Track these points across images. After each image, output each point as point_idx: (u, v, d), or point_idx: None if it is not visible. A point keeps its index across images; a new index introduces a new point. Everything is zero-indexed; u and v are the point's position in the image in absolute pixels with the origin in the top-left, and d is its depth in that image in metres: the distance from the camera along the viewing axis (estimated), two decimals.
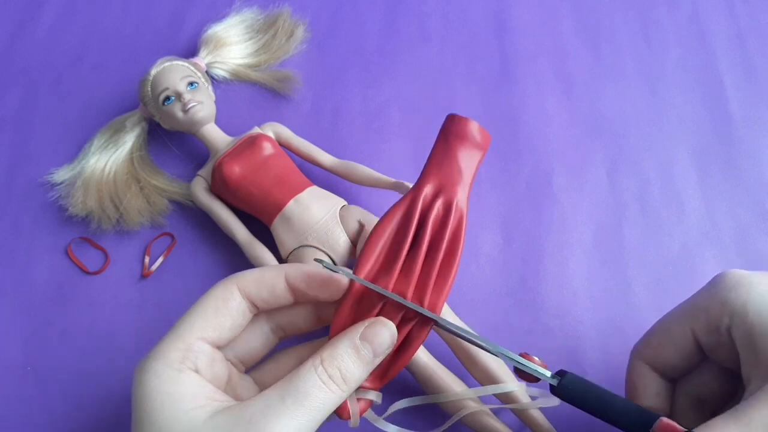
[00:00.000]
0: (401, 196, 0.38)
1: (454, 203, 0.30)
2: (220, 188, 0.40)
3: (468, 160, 0.30)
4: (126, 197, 0.42)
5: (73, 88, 0.48)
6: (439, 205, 0.30)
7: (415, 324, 0.28)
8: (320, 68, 0.49)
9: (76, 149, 0.45)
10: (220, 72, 0.47)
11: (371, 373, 0.27)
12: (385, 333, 0.26)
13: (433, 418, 0.36)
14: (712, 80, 0.48)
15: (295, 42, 0.49)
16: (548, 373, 0.28)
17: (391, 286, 0.28)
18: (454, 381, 0.35)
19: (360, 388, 0.27)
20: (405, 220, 0.30)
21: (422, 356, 0.35)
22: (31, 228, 0.43)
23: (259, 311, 0.28)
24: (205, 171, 0.41)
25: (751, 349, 0.26)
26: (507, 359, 0.28)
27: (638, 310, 0.40)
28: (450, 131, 0.31)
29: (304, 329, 0.30)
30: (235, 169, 0.39)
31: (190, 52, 0.48)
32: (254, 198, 0.39)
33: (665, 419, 0.26)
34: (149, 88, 0.42)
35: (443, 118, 0.48)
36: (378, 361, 0.26)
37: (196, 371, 0.26)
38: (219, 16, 0.49)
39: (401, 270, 0.29)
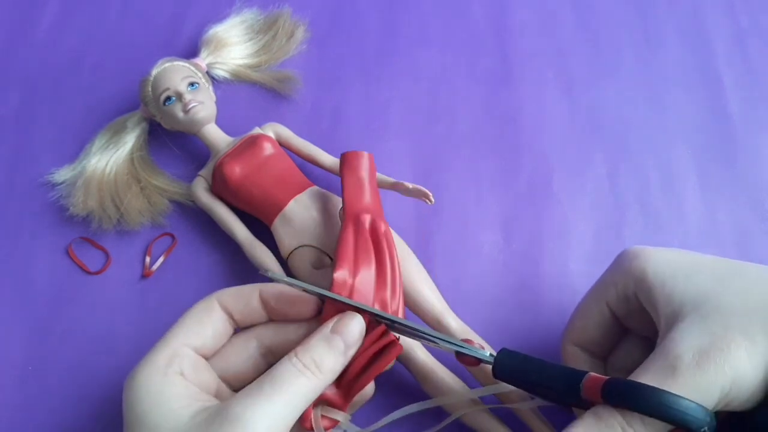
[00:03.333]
0: (401, 195, 0.39)
1: (377, 220, 0.35)
2: (220, 188, 0.40)
3: (365, 182, 0.37)
4: (127, 197, 0.42)
5: (74, 88, 0.48)
6: (366, 223, 0.35)
7: (384, 345, 0.29)
8: (320, 68, 0.49)
9: (76, 149, 0.45)
10: (220, 72, 0.47)
11: (337, 389, 0.29)
12: (354, 324, 0.28)
13: (431, 417, 0.36)
14: (712, 80, 0.48)
15: (295, 42, 0.49)
16: (487, 353, 0.30)
17: (371, 297, 0.32)
18: (453, 379, 0.35)
19: (329, 406, 0.30)
20: (358, 235, 0.34)
21: (420, 354, 0.35)
22: (31, 228, 0.43)
23: (238, 324, 0.30)
24: (206, 171, 0.41)
25: (652, 306, 0.29)
26: (447, 345, 0.30)
27: None
28: (346, 165, 0.37)
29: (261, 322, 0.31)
30: (236, 170, 0.39)
31: (191, 52, 0.48)
32: (255, 198, 0.39)
33: (592, 374, 0.27)
34: (150, 89, 0.42)
35: (443, 118, 0.48)
36: (351, 352, 0.28)
37: (182, 375, 0.27)
38: (219, 16, 0.49)
39: (377, 282, 0.33)
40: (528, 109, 0.47)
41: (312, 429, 0.29)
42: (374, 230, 0.35)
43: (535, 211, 0.43)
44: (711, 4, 0.51)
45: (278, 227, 0.39)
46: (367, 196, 0.37)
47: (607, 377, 0.27)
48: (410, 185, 0.39)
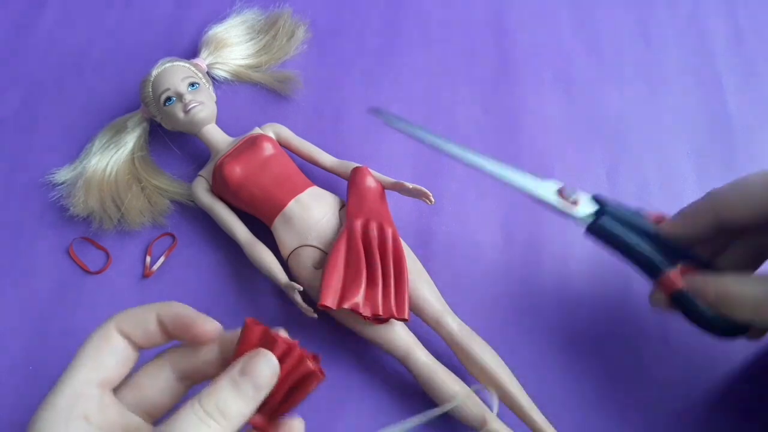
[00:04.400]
0: (401, 195, 0.39)
1: (384, 225, 0.37)
2: (221, 188, 0.40)
3: (376, 193, 0.39)
4: (127, 197, 0.42)
5: (75, 88, 0.48)
6: (373, 229, 0.37)
7: (303, 375, 0.26)
8: (321, 69, 0.49)
9: (77, 149, 0.45)
10: (221, 73, 0.47)
11: (261, 411, 0.26)
12: (264, 364, 0.25)
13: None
14: (712, 80, 0.48)
15: (295, 42, 0.49)
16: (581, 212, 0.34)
17: (361, 295, 0.34)
18: (454, 381, 0.35)
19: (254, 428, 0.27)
20: (351, 248, 0.36)
21: (421, 355, 0.35)
22: (32, 228, 0.43)
23: (141, 348, 0.28)
24: (206, 171, 0.42)
25: None
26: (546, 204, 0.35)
27: (639, 311, 0.40)
28: (355, 179, 0.40)
29: (210, 375, 0.28)
30: (236, 170, 0.39)
31: (191, 53, 0.48)
32: (255, 198, 0.39)
33: (678, 269, 0.32)
34: (150, 89, 0.42)
35: (443, 118, 0.48)
36: (261, 394, 0.25)
37: (86, 419, 0.25)
38: (220, 16, 0.49)
39: (366, 283, 0.35)
40: (528, 109, 0.47)
41: None
42: (381, 233, 0.37)
43: (535, 210, 0.43)
44: (711, 4, 0.51)
45: (278, 227, 0.39)
46: (369, 205, 0.38)
47: (679, 288, 0.32)
48: (410, 185, 0.39)
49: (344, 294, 0.35)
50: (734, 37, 0.50)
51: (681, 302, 0.32)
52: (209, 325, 0.27)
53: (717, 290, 0.31)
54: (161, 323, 0.27)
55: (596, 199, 0.34)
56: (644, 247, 0.33)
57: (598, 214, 0.34)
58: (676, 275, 0.32)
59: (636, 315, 0.40)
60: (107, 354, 0.26)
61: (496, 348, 0.36)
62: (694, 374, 0.38)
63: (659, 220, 0.34)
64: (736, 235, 0.33)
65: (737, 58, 0.49)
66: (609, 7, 0.51)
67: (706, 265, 0.33)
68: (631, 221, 0.33)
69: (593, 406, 0.37)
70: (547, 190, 0.35)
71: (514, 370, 0.36)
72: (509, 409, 0.35)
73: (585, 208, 0.34)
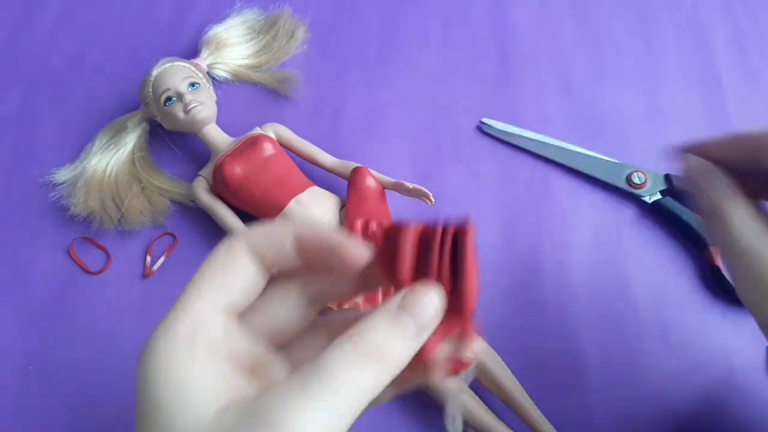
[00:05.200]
0: (400, 195, 0.39)
1: (384, 224, 0.37)
2: (221, 188, 0.40)
3: (376, 193, 0.40)
4: (127, 197, 0.42)
5: (75, 88, 0.48)
6: (373, 229, 0.36)
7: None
8: (321, 69, 0.49)
9: (77, 149, 0.45)
10: (221, 73, 0.47)
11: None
12: (427, 299, 0.21)
13: (432, 419, 0.37)
14: (711, 80, 0.48)
15: (295, 43, 0.49)
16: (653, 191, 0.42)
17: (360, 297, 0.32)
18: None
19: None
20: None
21: None
22: (32, 228, 0.43)
23: (270, 272, 0.24)
24: (206, 171, 0.42)
25: None
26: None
27: (639, 311, 0.40)
28: (355, 179, 0.40)
29: (346, 297, 0.25)
30: (236, 170, 0.39)
31: (191, 53, 0.48)
32: (255, 198, 0.39)
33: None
34: (150, 89, 0.42)
35: (443, 118, 0.48)
36: (424, 336, 0.21)
37: (209, 350, 0.21)
38: (220, 17, 0.49)
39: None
40: (528, 109, 0.47)
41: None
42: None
43: (535, 211, 0.43)
44: (711, 5, 0.51)
45: None
46: (369, 205, 0.38)
47: (715, 264, 0.37)
48: (410, 185, 0.39)
49: None
50: (734, 37, 0.50)
51: (717, 276, 0.39)
52: (358, 251, 0.23)
53: (721, 204, 0.28)
54: (300, 245, 0.23)
55: (666, 177, 0.42)
56: (697, 222, 0.40)
57: (663, 193, 0.42)
58: (715, 250, 0.39)
59: (636, 314, 0.40)
60: (235, 277, 0.23)
61: (495, 348, 0.36)
62: (693, 373, 0.38)
63: None
64: None
65: (737, 59, 0.49)
66: (609, 7, 0.51)
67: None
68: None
69: (593, 406, 0.37)
70: (617, 173, 0.43)
71: (513, 370, 0.36)
72: (508, 407, 0.35)
73: (653, 187, 0.42)
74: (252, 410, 0.19)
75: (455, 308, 0.22)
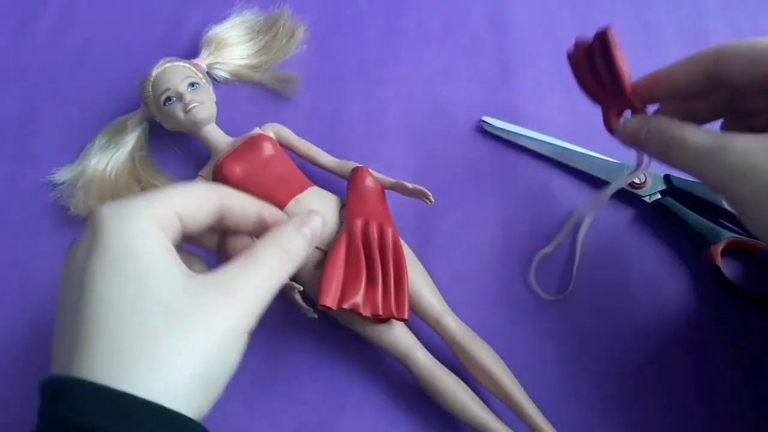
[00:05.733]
0: (401, 195, 0.39)
1: (384, 225, 0.37)
2: None
3: (375, 193, 0.39)
4: (127, 198, 0.42)
5: (75, 88, 0.48)
6: (373, 229, 0.36)
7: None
8: (321, 69, 0.49)
9: (77, 150, 0.45)
10: (221, 73, 0.47)
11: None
12: (316, 219, 0.31)
13: (434, 420, 0.37)
14: None
15: (295, 43, 0.49)
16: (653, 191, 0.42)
17: (360, 295, 0.34)
18: (454, 381, 0.35)
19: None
20: (351, 248, 0.36)
21: (422, 356, 0.35)
22: (32, 228, 0.43)
23: (219, 226, 0.30)
24: (206, 171, 0.42)
25: None
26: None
27: (638, 311, 0.40)
28: (355, 179, 0.40)
29: (202, 245, 0.32)
30: (236, 170, 0.39)
31: (191, 53, 0.48)
32: (256, 198, 0.39)
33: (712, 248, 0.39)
34: (150, 89, 0.42)
35: (443, 118, 0.48)
36: (314, 243, 0.31)
37: (170, 237, 0.27)
38: (220, 17, 0.49)
39: (366, 283, 0.35)
40: (528, 109, 0.47)
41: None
42: (381, 234, 0.36)
43: (535, 211, 0.43)
44: (711, 4, 0.51)
45: None
46: (368, 205, 0.38)
47: (715, 264, 0.38)
48: (410, 185, 0.39)
49: (344, 294, 0.35)
50: (734, 37, 0.50)
51: (717, 276, 0.39)
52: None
53: (675, 134, 0.31)
54: (260, 218, 0.31)
55: (666, 178, 0.42)
56: (697, 222, 0.40)
57: (663, 193, 0.42)
58: (715, 250, 0.39)
59: (637, 314, 0.40)
60: (202, 213, 0.28)
61: (496, 348, 0.36)
62: (694, 371, 0.38)
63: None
64: (733, 102, 0.33)
65: None
66: (609, 7, 0.51)
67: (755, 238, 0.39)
68: (699, 195, 0.41)
69: (594, 406, 0.37)
70: (617, 173, 0.43)
71: (513, 370, 0.36)
72: (509, 408, 0.35)
73: (653, 187, 0.42)
74: (214, 281, 0.26)
75: (620, 93, 0.33)
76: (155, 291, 0.24)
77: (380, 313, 0.35)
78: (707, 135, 0.30)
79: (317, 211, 0.32)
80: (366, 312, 0.35)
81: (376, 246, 0.36)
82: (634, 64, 0.49)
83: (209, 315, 0.25)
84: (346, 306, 0.34)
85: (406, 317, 0.35)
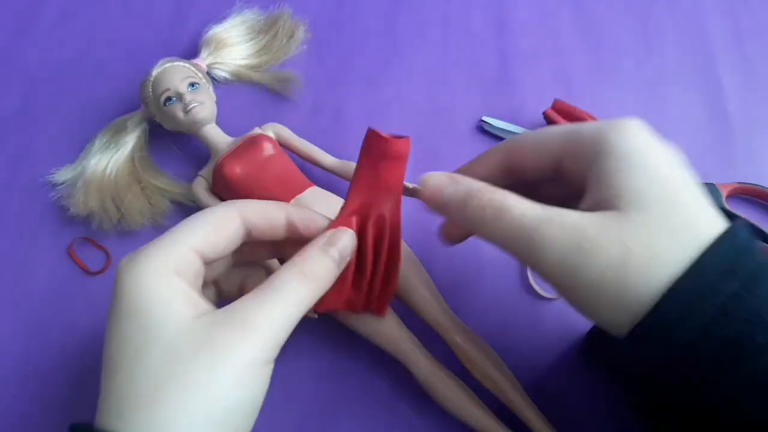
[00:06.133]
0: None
1: (386, 216, 0.31)
2: (221, 188, 0.40)
3: (392, 174, 0.31)
4: (127, 198, 0.42)
5: (75, 88, 0.48)
6: (372, 221, 0.31)
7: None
8: (321, 69, 0.49)
9: (77, 150, 0.45)
10: (220, 73, 0.47)
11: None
12: (346, 238, 0.30)
13: (430, 418, 0.37)
14: (712, 80, 0.48)
15: (295, 43, 0.49)
16: None
17: (343, 298, 0.32)
18: (455, 381, 0.35)
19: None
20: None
21: (422, 356, 0.35)
22: (32, 228, 0.43)
23: (252, 240, 0.30)
24: (206, 171, 0.42)
25: (601, 181, 0.26)
26: None
27: None
28: (371, 151, 0.30)
29: (262, 258, 0.32)
30: (236, 170, 0.39)
31: (191, 53, 0.48)
32: (255, 198, 0.39)
33: None
34: (150, 89, 0.42)
35: (443, 118, 0.48)
36: (343, 264, 0.29)
37: (185, 277, 0.26)
38: (220, 17, 0.49)
39: (352, 284, 0.32)
40: (528, 109, 0.47)
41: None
42: (361, 232, 0.33)
43: None
44: (711, 4, 0.51)
45: None
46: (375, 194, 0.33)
47: None
48: (410, 185, 0.39)
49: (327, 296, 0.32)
50: (734, 37, 0.50)
51: None
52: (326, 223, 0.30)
53: (494, 199, 0.27)
54: (290, 224, 0.30)
55: None
56: None
57: None
58: None
59: None
60: (222, 237, 0.28)
61: (495, 348, 0.36)
62: None
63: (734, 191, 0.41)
64: (532, 194, 0.30)
65: (737, 58, 0.49)
66: (609, 7, 0.51)
67: (760, 236, 0.37)
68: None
69: (596, 407, 0.37)
70: None
71: (513, 369, 0.36)
72: (510, 409, 0.35)
73: None
74: (224, 315, 0.25)
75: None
76: (158, 338, 0.24)
77: (356, 309, 0.34)
78: (530, 203, 0.27)
79: (345, 229, 0.30)
80: (341, 307, 0.34)
81: (370, 246, 0.33)
82: (634, 64, 0.49)
83: (220, 352, 0.24)
84: (321, 310, 0.33)
85: (382, 315, 0.35)
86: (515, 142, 0.31)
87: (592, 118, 0.44)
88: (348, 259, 0.30)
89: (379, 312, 0.34)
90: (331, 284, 0.28)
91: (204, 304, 0.26)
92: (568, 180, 0.29)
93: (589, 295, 0.26)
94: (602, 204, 0.26)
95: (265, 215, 0.29)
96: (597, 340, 0.28)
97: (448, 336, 0.36)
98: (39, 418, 0.37)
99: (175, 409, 0.23)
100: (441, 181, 0.30)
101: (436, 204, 0.30)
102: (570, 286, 0.26)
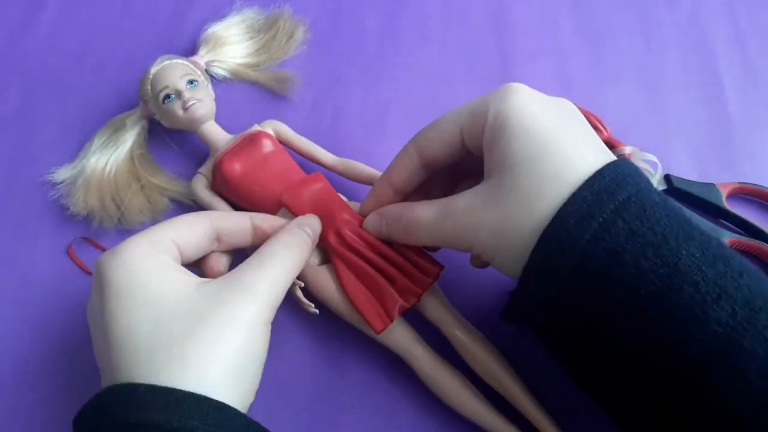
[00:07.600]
0: None
1: (351, 220, 0.36)
2: (220, 186, 0.40)
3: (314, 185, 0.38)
4: (127, 196, 0.42)
5: (74, 87, 0.48)
6: (348, 233, 0.36)
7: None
8: (320, 69, 0.49)
9: (76, 148, 0.45)
10: (219, 71, 0.47)
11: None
12: (313, 219, 0.35)
13: (428, 415, 0.36)
14: (712, 80, 0.48)
15: (295, 42, 0.49)
16: None
17: (396, 296, 0.35)
18: (458, 377, 0.35)
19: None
20: (350, 266, 0.36)
21: (424, 351, 0.35)
22: (31, 227, 0.43)
23: (223, 248, 0.33)
24: (206, 169, 0.42)
25: (488, 151, 0.30)
26: None
27: None
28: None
29: (244, 246, 0.34)
30: (236, 167, 0.39)
31: (191, 52, 0.48)
32: (255, 195, 0.39)
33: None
34: (149, 87, 0.42)
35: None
36: (316, 239, 0.35)
37: (174, 258, 0.30)
38: (219, 15, 0.49)
39: (388, 282, 0.35)
40: None
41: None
42: (357, 232, 0.36)
43: None
44: (711, 5, 0.51)
45: None
46: (319, 206, 0.37)
47: None
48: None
49: (385, 306, 0.35)
50: (734, 37, 0.50)
51: None
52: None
53: (408, 216, 0.32)
54: (255, 226, 0.34)
55: (666, 178, 0.42)
56: (697, 222, 0.38)
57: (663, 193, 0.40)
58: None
59: None
60: (195, 236, 0.31)
61: (497, 344, 0.36)
62: None
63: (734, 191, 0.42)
64: (452, 185, 0.35)
65: (737, 58, 0.49)
66: (609, 7, 0.51)
67: (759, 236, 0.39)
68: (699, 195, 0.41)
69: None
70: None
71: (515, 365, 0.36)
72: (511, 404, 0.35)
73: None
74: (231, 282, 0.28)
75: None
76: (172, 306, 0.27)
77: (421, 291, 0.35)
78: (432, 205, 0.31)
79: (313, 216, 0.35)
80: (413, 301, 0.35)
81: (363, 246, 0.36)
82: (634, 64, 0.49)
83: (231, 312, 0.27)
84: (397, 315, 0.34)
85: (438, 272, 0.35)
86: (421, 137, 0.33)
87: (594, 117, 0.44)
88: (317, 238, 0.34)
89: (432, 276, 0.35)
90: (309, 255, 0.33)
91: (196, 277, 0.29)
92: (478, 157, 0.31)
93: (495, 262, 0.30)
94: (490, 174, 0.29)
95: (232, 219, 0.33)
96: (515, 297, 0.31)
97: (449, 331, 0.36)
98: (38, 418, 0.37)
99: (206, 360, 0.26)
100: (374, 222, 0.35)
101: (388, 239, 0.35)
102: (488, 258, 0.30)
